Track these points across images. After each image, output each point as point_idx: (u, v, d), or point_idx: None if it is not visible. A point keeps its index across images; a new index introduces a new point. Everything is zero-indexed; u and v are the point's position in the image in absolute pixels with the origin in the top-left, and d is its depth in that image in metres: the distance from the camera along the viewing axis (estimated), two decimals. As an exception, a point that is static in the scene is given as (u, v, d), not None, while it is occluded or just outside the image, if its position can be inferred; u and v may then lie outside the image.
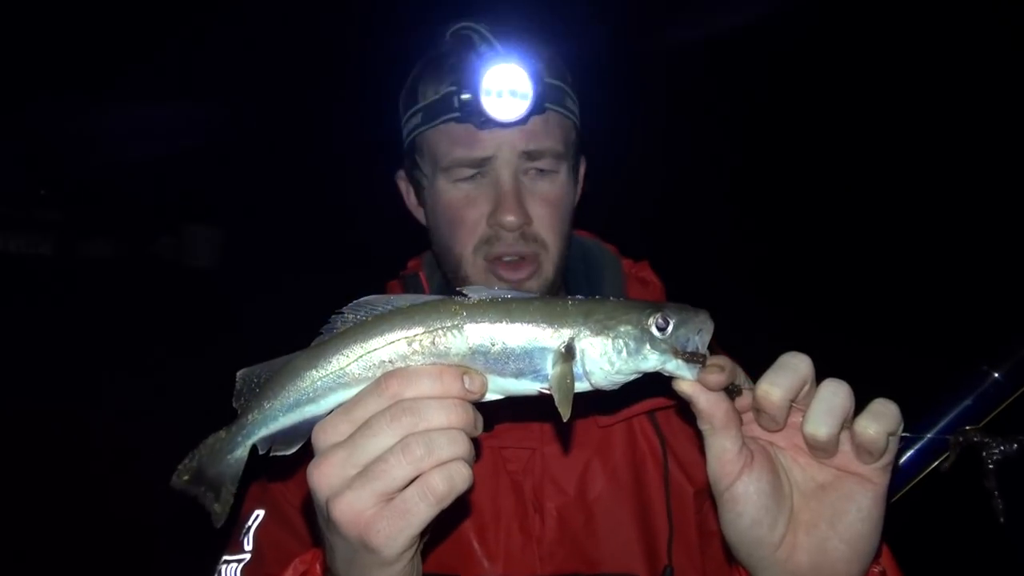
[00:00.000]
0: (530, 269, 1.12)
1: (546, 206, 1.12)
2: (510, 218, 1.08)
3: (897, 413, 0.65)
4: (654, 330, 0.66)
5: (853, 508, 0.67)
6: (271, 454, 0.73)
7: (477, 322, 0.66)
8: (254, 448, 0.74)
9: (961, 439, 0.66)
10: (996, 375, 0.86)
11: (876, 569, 0.73)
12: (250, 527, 1.14)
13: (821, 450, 0.67)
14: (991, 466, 0.65)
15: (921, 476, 0.90)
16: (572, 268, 1.28)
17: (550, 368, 0.66)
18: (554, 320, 0.66)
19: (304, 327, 1.25)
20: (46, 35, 6.87)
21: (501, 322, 0.66)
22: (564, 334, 0.66)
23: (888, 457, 0.66)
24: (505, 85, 1.04)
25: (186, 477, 0.76)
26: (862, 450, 0.66)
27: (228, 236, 7.54)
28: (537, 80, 1.06)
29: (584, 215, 1.27)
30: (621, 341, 0.66)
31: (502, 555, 1.08)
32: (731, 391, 0.67)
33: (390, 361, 0.68)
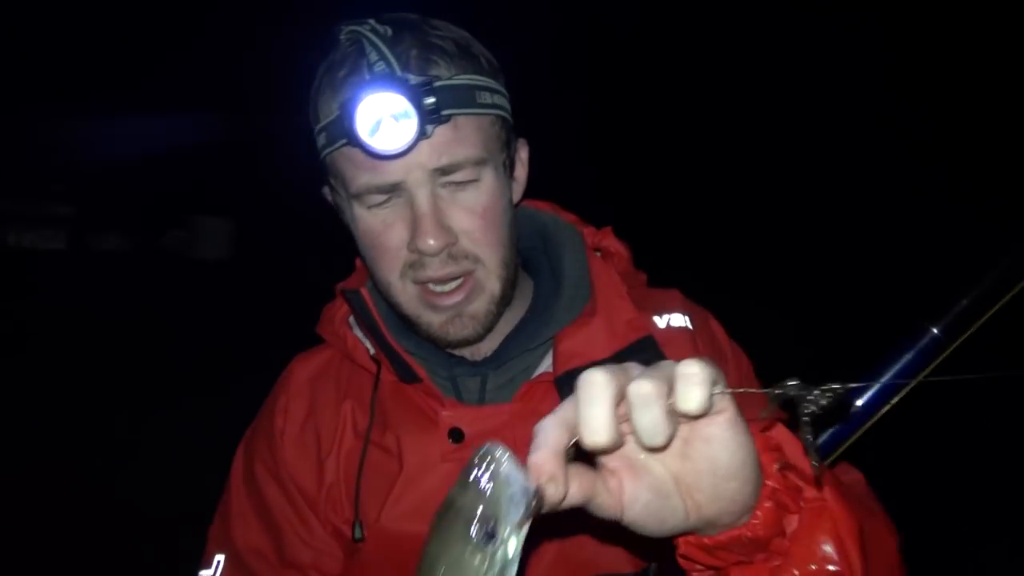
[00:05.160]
0: (466, 290, 1.07)
1: (472, 218, 1.04)
2: (430, 242, 1.01)
3: (703, 374, 0.62)
4: (489, 545, 0.62)
5: (718, 447, 0.67)
6: None
7: None
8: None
9: (778, 392, 0.64)
10: (935, 330, 0.89)
11: (769, 484, 0.72)
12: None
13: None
14: (805, 419, 0.63)
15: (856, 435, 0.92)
16: (531, 247, 1.25)
17: None
18: None
19: (315, 318, 1.28)
20: (67, 40, 6.94)
21: None
22: None
23: (724, 402, 0.65)
24: (384, 113, 0.95)
25: None
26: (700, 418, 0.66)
27: (238, 227, 7.60)
28: (426, 93, 0.98)
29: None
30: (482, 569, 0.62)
31: None
32: (568, 457, 0.64)
33: None
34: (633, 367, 0.66)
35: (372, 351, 1.18)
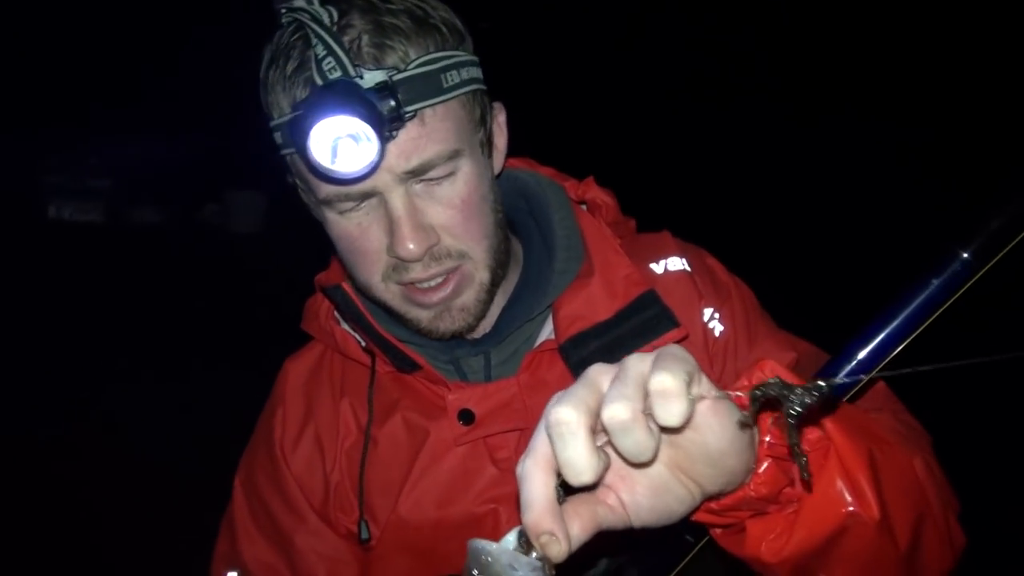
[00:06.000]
0: (454, 283, 1.02)
1: (452, 212, 0.97)
2: (409, 246, 0.95)
3: (677, 384, 0.57)
4: None
5: (705, 432, 0.64)
6: None
7: None
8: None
9: (759, 393, 0.59)
10: (965, 255, 0.85)
11: (766, 440, 0.70)
12: None
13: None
14: (791, 421, 0.58)
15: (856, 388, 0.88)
16: (516, 209, 1.20)
17: None
18: None
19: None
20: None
21: None
22: None
23: (706, 385, 0.62)
24: (341, 134, 0.85)
25: None
26: None
27: (270, 201, 7.68)
28: (384, 97, 0.87)
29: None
30: None
31: None
32: (559, 499, 0.62)
33: None
34: (601, 376, 0.62)
35: (363, 343, 1.14)
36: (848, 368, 0.91)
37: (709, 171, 7.11)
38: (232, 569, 1.16)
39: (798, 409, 0.58)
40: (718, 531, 0.79)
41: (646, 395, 0.58)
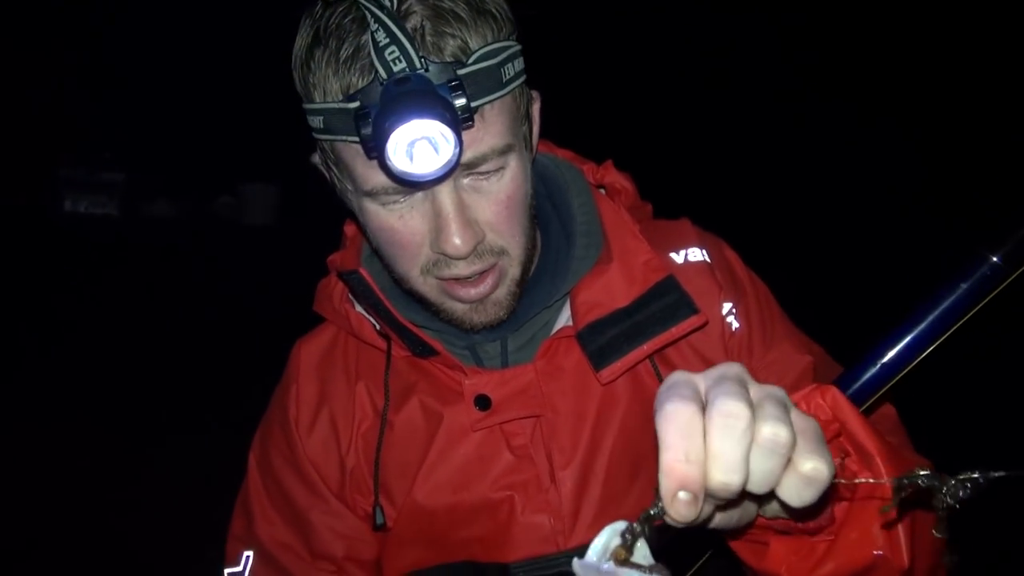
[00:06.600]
0: (492, 280, 1.01)
1: (497, 208, 0.96)
2: (456, 242, 0.92)
3: (828, 476, 0.57)
4: None
5: None
6: None
7: None
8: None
9: (906, 482, 0.56)
10: (995, 259, 0.83)
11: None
12: (242, 573, 1.15)
13: None
14: (942, 514, 0.56)
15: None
16: (535, 193, 1.15)
17: None
18: None
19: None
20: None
21: None
22: None
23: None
24: (417, 136, 0.82)
25: None
26: None
27: (283, 194, 7.70)
28: (458, 95, 0.84)
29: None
30: None
31: (526, 538, 1.07)
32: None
33: None
34: (750, 383, 0.59)
35: (378, 327, 1.13)
36: (873, 372, 0.89)
37: (727, 164, 7.07)
38: (248, 549, 1.16)
39: (951, 503, 0.55)
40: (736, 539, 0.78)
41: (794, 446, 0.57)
